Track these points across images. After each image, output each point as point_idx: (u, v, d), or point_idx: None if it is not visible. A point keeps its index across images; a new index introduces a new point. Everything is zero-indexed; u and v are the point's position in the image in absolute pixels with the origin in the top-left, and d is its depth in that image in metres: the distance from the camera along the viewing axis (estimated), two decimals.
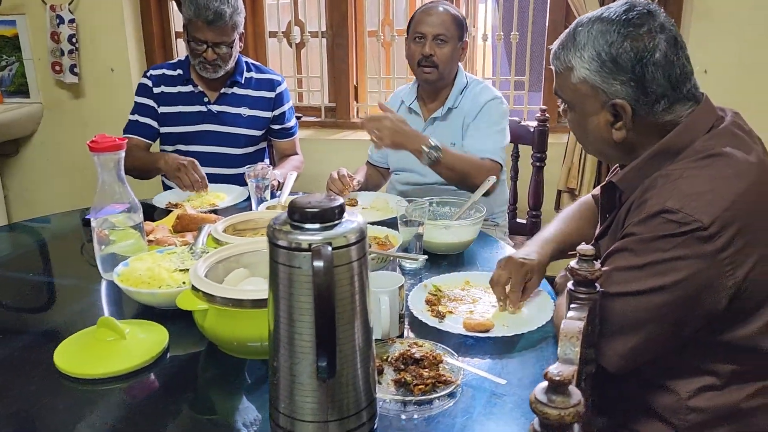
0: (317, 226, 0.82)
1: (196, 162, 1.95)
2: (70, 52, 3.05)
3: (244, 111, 2.20)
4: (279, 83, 2.25)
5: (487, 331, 1.16)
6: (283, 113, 2.27)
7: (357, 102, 3.23)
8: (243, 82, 2.20)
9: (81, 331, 1.15)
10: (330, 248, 0.78)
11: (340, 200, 0.83)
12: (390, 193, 2.16)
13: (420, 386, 0.98)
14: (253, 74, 2.23)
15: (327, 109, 3.21)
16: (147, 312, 1.25)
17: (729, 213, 0.94)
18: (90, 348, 1.09)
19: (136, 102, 2.20)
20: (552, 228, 1.38)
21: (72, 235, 1.80)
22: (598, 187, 1.44)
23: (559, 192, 2.77)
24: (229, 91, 2.18)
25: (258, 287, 1.13)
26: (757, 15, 2.60)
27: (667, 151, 1.05)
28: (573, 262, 0.96)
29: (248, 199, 1.95)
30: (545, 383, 0.66)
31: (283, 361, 0.85)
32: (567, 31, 1.14)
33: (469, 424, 0.93)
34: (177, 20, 3.22)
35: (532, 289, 1.27)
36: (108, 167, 1.38)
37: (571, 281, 0.97)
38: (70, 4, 3.00)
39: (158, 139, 2.24)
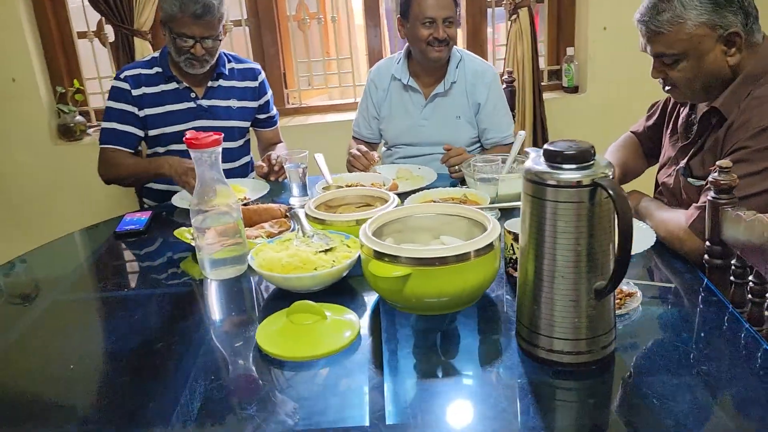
0: (574, 165, 0.93)
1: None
2: None
3: (233, 103, 2.15)
4: (259, 71, 2.23)
5: None
6: (268, 102, 2.25)
7: (286, 88, 3.22)
8: (227, 73, 2.14)
9: (269, 318, 1.15)
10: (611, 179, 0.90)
11: (590, 143, 0.95)
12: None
13: (618, 302, 1.13)
14: (234, 65, 2.18)
15: None
16: (281, 298, 1.25)
17: None
18: (293, 332, 1.09)
19: (111, 108, 2.04)
20: (614, 156, 1.61)
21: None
22: (639, 124, 1.68)
23: None
24: (216, 84, 2.12)
25: (421, 247, 1.20)
26: None
27: (752, 76, 1.30)
28: (714, 175, 1.17)
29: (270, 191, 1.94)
30: None
31: (546, 290, 0.96)
32: None
33: (671, 318, 1.11)
34: (77, 20, 2.96)
35: None
36: (207, 164, 1.33)
37: (712, 191, 1.18)
38: None
39: (140, 144, 2.12)
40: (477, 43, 3.17)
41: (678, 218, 1.33)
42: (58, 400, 1.03)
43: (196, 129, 2.09)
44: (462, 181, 1.87)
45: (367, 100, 2.27)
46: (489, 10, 3.16)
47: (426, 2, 2.03)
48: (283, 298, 1.26)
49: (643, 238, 1.39)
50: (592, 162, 0.93)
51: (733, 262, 1.16)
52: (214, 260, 1.36)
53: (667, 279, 1.28)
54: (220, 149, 1.34)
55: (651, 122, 1.67)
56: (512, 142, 2.20)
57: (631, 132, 1.72)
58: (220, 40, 2.02)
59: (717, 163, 1.17)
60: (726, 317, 1.12)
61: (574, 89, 3.21)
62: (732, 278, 1.16)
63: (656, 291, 1.20)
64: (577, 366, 0.98)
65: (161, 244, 1.65)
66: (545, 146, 0.95)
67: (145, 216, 1.76)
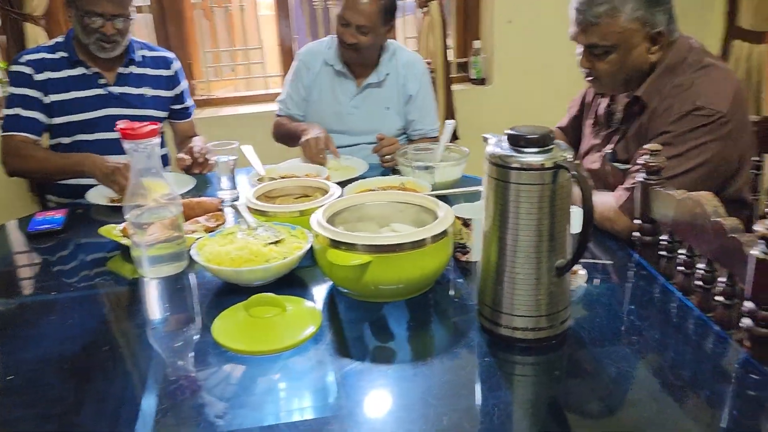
0: (536, 149, 0.97)
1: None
2: None
3: (147, 91, 2.04)
4: (173, 60, 2.12)
5: None
6: (183, 92, 2.16)
7: (193, 79, 3.09)
8: (140, 60, 2.02)
9: (224, 313, 1.11)
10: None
11: (549, 128, 0.99)
12: None
13: None
14: (145, 52, 2.07)
15: None
16: (227, 293, 1.22)
17: (732, 104, 1.33)
18: (253, 326, 1.06)
19: (12, 94, 1.88)
20: None
21: None
22: (564, 120, 1.77)
23: None
24: (127, 70, 2.00)
25: (382, 234, 1.21)
26: None
27: (670, 67, 1.41)
28: (645, 157, 1.26)
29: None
30: None
31: (509, 269, 0.99)
32: None
33: (611, 292, 1.20)
34: None
35: None
36: (144, 155, 1.26)
37: (643, 173, 1.27)
38: None
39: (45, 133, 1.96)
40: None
41: (607, 200, 1.42)
42: (2, 414, 0.94)
43: (106, 117, 1.97)
44: (394, 170, 1.89)
45: (298, 81, 2.21)
46: (399, 3, 3.19)
47: (347, 1, 1.99)
48: (229, 293, 1.22)
49: (574, 221, 1.47)
50: (552, 146, 0.97)
51: (663, 238, 1.25)
52: (152, 257, 1.29)
53: (598, 257, 1.36)
54: (158, 140, 1.27)
55: (572, 115, 1.77)
56: (437, 135, 2.24)
57: (557, 128, 1.81)
58: (132, 20, 1.91)
59: (646, 146, 1.26)
60: (658, 289, 1.21)
61: (481, 81, 3.32)
62: (664, 252, 1.25)
63: (593, 268, 1.27)
64: (539, 341, 1.02)
65: (82, 243, 1.54)
66: (507, 131, 0.98)
67: (60, 214, 1.63)
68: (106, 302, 1.24)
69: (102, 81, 1.96)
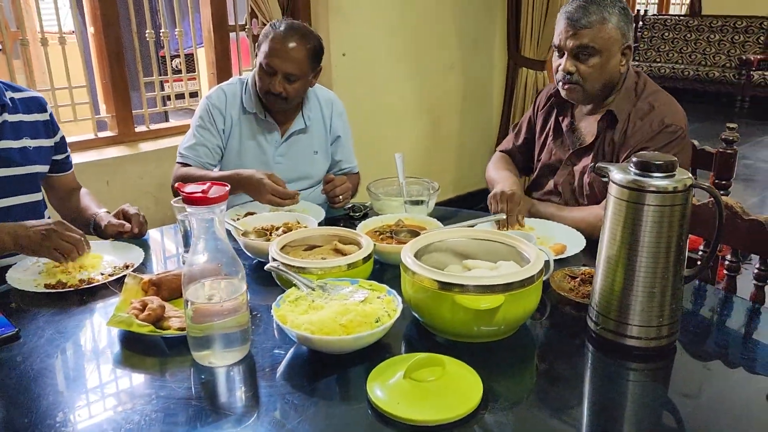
0: (662, 174, 1.07)
1: (60, 218, 1.44)
2: None
3: (28, 142, 1.63)
4: (45, 101, 1.72)
5: (563, 252, 1.52)
6: (63, 138, 1.76)
7: None
8: (10, 105, 1.61)
9: (374, 379, 1.00)
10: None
11: (672, 156, 1.10)
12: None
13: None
14: (12, 94, 1.64)
15: None
16: (308, 362, 1.10)
17: (685, 119, 1.61)
18: (421, 391, 0.97)
19: None
20: (504, 173, 1.79)
21: None
22: (507, 143, 1.92)
23: None
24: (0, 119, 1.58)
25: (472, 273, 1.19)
26: (382, 12, 3.38)
27: (628, 89, 1.65)
28: None
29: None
30: None
31: (642, 284, 1.09)
32: None
33: None
34: None
35: (527, 208, 1.67)
36: (215, 222, 1.04)
37: None
38: None
39: None
40: (225, 67, 3.04)
41: (594, 211, 1.59)
42: None
43: None
44: (352, 209, 1.83)
45: (211, 126, 1.96)
46: (233, 34, 3.06)
47: (272, 48, 1.84)
48: (310, 361, 1.11)
49: (574, 239, 1.55)
50: (676, 170, 1.08)
51: None
52: (222, 338, 1.08)
53: None
54: (225, 204, 1.06)
55: (521, 140, 1.92)
56: (357, 171, 2.19)
57: (501, 152, 1.94)
58: None
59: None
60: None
61: None
62: None
63: None
64: (662, 348, 1.12)
65: (66, 344, 1.18)
66: (634, 159, 1.07)
67: None
68: (208, 410, 0.99)
69: None
